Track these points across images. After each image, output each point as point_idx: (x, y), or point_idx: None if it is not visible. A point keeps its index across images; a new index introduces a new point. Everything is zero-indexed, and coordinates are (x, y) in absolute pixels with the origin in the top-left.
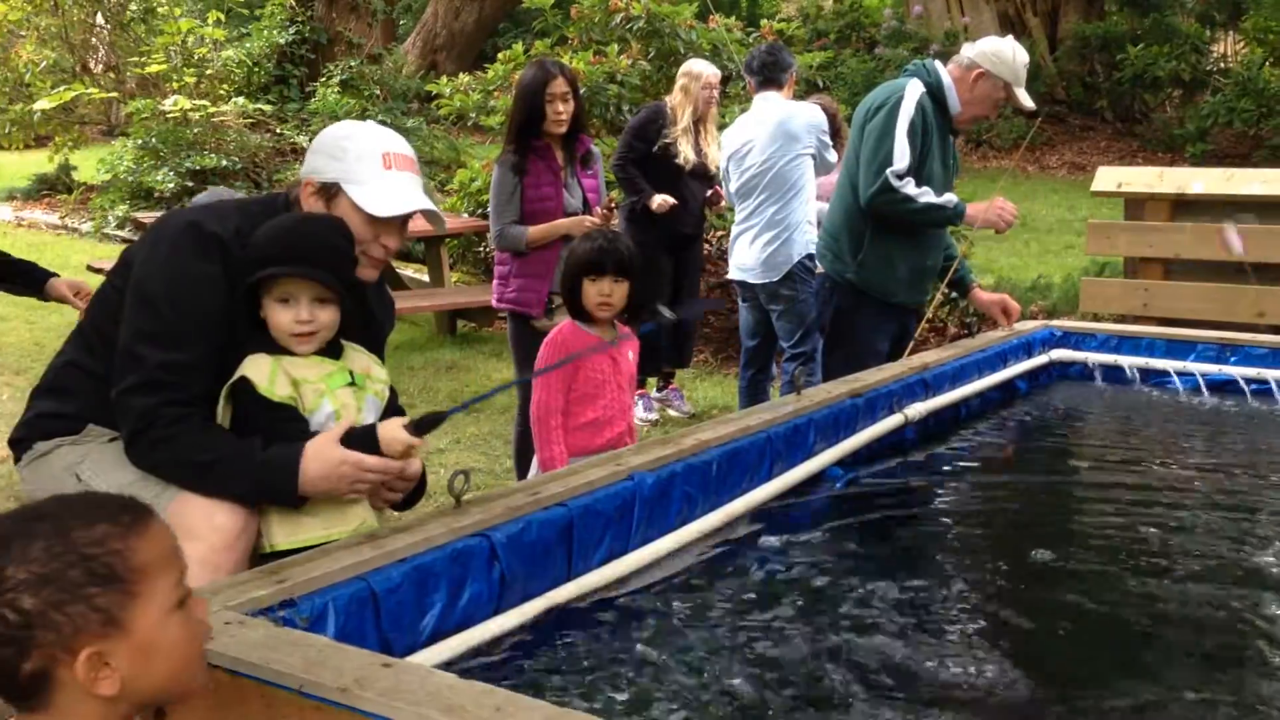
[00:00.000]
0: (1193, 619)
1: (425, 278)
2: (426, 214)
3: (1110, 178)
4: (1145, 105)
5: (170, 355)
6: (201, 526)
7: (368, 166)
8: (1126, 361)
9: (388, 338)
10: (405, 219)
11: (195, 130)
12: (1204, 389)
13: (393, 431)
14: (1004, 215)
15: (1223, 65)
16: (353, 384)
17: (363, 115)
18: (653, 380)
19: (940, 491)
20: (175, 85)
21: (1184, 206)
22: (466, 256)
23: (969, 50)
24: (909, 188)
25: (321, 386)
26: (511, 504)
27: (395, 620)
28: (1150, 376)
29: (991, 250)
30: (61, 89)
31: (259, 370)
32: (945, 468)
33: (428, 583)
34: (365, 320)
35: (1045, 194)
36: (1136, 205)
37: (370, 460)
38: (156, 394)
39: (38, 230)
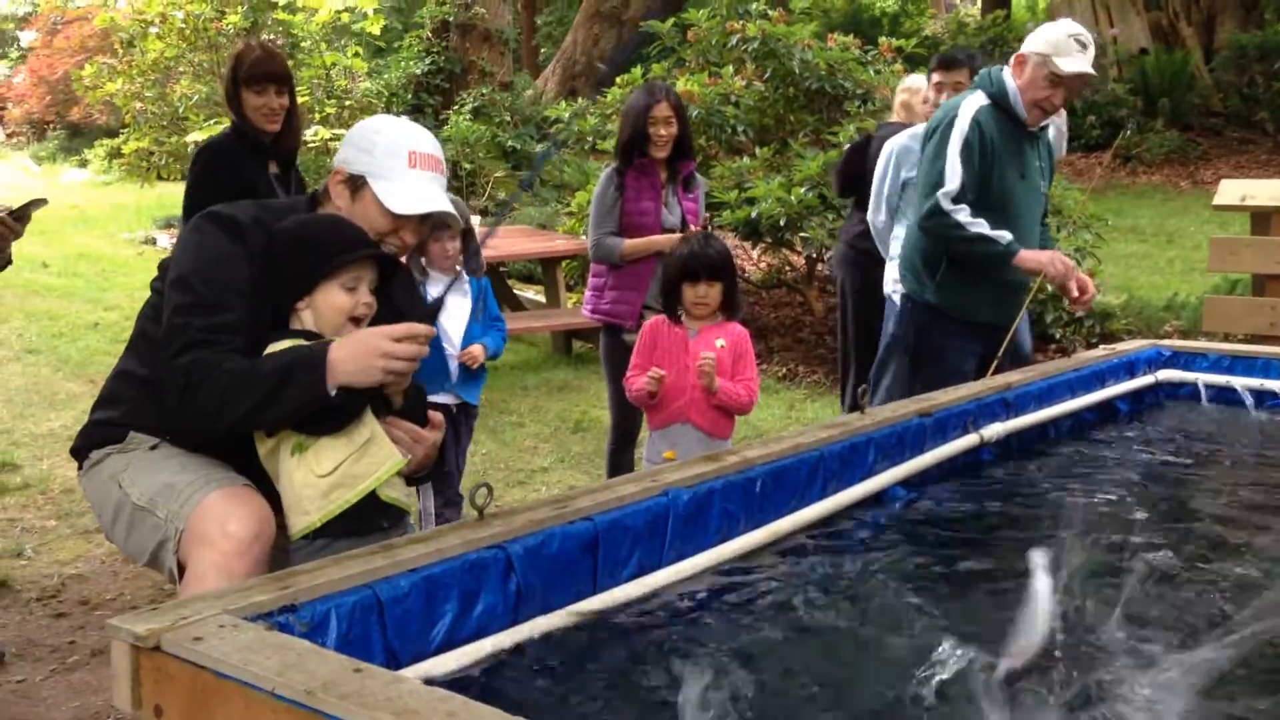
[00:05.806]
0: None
1: (543, 298)
2: (446, 215)
3: (1233, 191)
4: None
5: (210, 319)
6: (215, 534)
7: (394, 163)
8: (1239, 383)
9: None
10: (425, 216)
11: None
12: None
13: (406, 325)
14: (1065, 273)
15: None
16: None
17: (493, 140)
18: None
19: (1010, 516)
20: (317, 116)
21: None
22: (585, 278)
23: None
24: (962, 214)
25: None
26: (534, 517)
27: (402, 629)
28: (1266, 399)
29: (1131, 269)
30: (214, 121)
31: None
32: (1021, 491)
33: (438, 593)
34: (388, 317)
35: (1198, 210)
36: (1263, 219)
37: (395, 328)
38: (203, 350)
39: None
